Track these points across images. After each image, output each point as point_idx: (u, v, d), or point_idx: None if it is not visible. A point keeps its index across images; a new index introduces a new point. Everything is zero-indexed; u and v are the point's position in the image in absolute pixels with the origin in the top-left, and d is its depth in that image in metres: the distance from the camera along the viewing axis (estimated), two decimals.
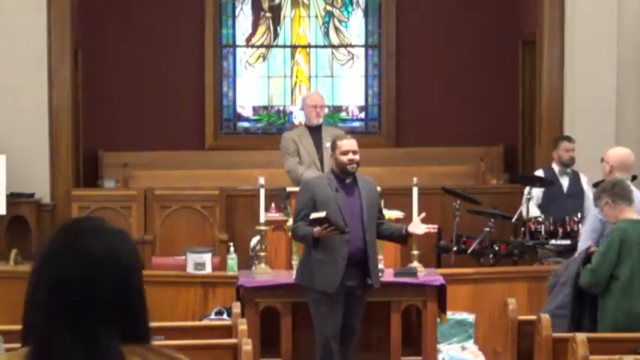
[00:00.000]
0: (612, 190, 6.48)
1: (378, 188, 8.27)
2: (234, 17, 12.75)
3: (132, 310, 2.13)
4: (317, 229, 6.77)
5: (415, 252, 7.91)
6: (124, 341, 2.10)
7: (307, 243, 6.95)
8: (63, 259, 2.10)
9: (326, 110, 9.06)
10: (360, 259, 6.90)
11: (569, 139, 9.47)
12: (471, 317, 8.23)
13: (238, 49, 12.79)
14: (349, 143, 7.01)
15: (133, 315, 2.14)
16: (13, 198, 9.98)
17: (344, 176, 7.00)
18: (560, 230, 8.93)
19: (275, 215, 8.44)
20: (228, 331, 6.40)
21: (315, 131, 8.71)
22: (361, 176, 7.24)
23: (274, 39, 12.81)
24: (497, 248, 9.26)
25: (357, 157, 6.98)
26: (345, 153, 6.96)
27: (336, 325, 6.94)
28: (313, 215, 6.80)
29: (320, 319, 7.01)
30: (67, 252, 2.11)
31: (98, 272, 2.10)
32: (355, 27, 12.92)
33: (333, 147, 7.10)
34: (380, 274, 7.54)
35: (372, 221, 7.00)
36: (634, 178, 9.43)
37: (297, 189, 8.36)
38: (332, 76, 12.91)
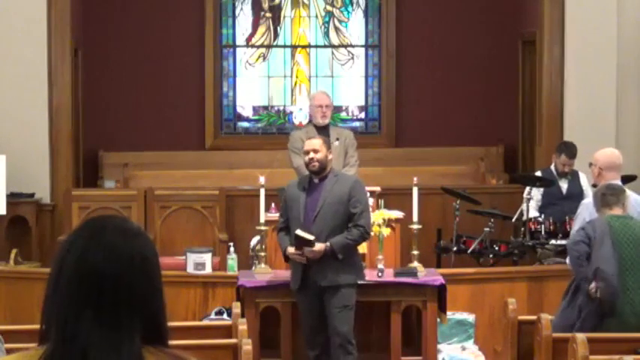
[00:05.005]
0: (596, 200, 6.69)
1: (377, 188, 8.33)
2: (234, 17, 12.74)
3: (152, 308, 2.15)
4: (291, 250, 7.10)
5: (415, 252, 7.92)
6: (142, 341, 2.12)
7: (281, 251, 7.32)
8: (93, 253, 2.12)
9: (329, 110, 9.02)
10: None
11: (569, 154, 9.32)
12: (471, 317, 8.23)
13: (238, 49, 12.79)
14: (309, 143, 7.30)
15: (153, 313, 2.15)
16: (13, 198, 9.98)
17: (313, 176, 7.23)
18: (560, 230, 8.94)
19: (275, 215, 8.42)
20: (228, 331, 6.40)
21: (322, 130, 8.72)
22: (342, 175, 7.37)
23: (274, 39, 12.81)
24: (497, 248, 9.25)
25: (317, 155, 7.18)
26: (306, 153, 7.25)
27: (310, 325, 7.16)
28: (300, 233, 7.03)
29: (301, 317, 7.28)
30: (97, 247, 2.13)
31: (128, 269, 2.12)
32: (355, 27, 12.92)
33: None
34: (380, 273, 7.57)
35: (329, 217, 7.10)
36: (634, 178, 9.45)
37: None
38: (332, 76, 12.90)
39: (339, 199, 7.10)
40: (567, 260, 7.03)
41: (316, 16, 12.85)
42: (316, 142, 7.25)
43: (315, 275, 7.06)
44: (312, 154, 7.17)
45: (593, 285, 6.37)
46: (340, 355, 7.07)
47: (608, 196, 6.57)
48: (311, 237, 6.99)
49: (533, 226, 9.03)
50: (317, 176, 7.21)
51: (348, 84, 12.93)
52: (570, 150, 9.34)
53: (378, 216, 7.82)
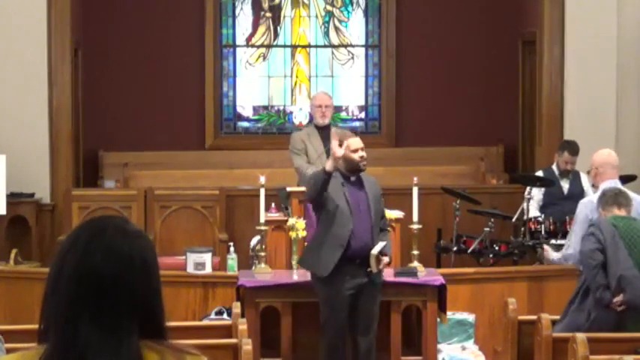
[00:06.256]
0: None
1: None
2: (234, 17, 12.75)
3: (151, 308, 2.16)
4: (334, 145, 6.93)
5: (415, 252, 7.92)
6: (142, 338, 2.13)
7: (318, 181, 6.92)
8: (93, 254, 2.12)
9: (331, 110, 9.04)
10: (367, 255, 6.97)
11: (572, 151, 9.31)
12: (471, 317, 8.22)
13: (238, 49, 12.79)
14: (357, 141, 7.17)
15: (152, 314, 2.16)
16: (13, 198, 9.97)
17: (349, 174, 7.13)
18: (560, 230, 8.93)
19: (275, 215, 8.43)
20: (228, 331, 6.40)
21: (323, 131, 8.72)
22: (365, 175, 7.32)
23: (274, 39, 12.81)
24: (497, 248, 9.26)
25: (365, 154, 7.14)
26: (356, 151, 7.10)
27: (340, 329, 7.01)
28: (377, 253, 6.96)
29: (323, 313, 7.07)
30: (97, 248, 2.13)
31: (127, 269, 2.12)
32: (355, 27, 12.92)
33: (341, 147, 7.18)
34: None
35: (378, 217, 7.14)
36: (634, 178, 9.45)
37: (297, 189, 8.38)
38: (332, 76, 12.91)
39: (377, 199, 7.18)
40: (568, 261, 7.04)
41: (316, 16, 12.85)
42: (360, 140, 7.20)
43: (365, 273, 7.01)
44: (361, 152, 7.11)
45: (618, 298, 6.37)
46: (372, 354, 7.06)
47: (620, 197, 6.66)
48: (385, 258, 7.01)
49: (533, 226, 9.03)
50: (354, 175, 7.16)
51: (348, 84, 12.93)
52: (572, 147, 9.34)
53: None
